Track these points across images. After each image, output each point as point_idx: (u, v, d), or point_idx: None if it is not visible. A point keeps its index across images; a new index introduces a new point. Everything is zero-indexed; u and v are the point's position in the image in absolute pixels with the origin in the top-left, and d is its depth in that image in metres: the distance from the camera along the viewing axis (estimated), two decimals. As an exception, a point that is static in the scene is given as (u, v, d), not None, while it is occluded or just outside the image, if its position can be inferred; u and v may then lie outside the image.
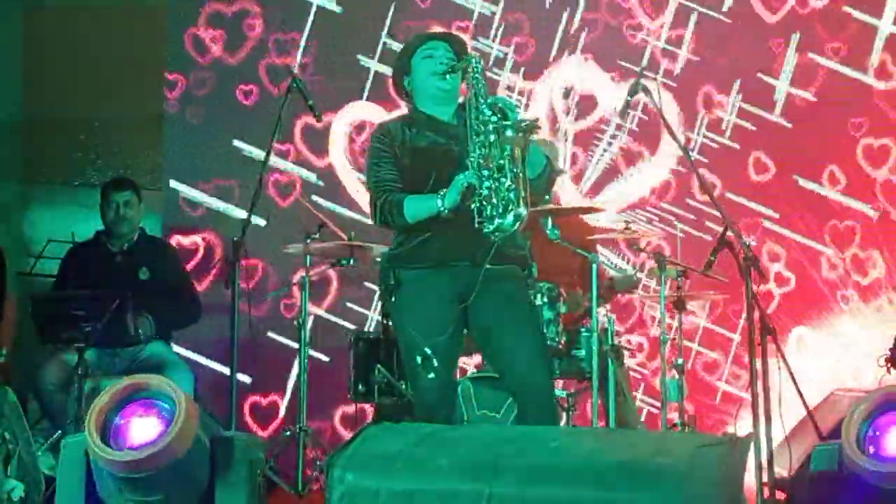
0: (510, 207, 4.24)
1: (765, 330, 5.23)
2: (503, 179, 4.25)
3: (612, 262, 7.12)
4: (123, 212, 6.24)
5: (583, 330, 5.88)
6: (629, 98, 5.39)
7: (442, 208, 4.34)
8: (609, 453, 3.28)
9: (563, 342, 5.78)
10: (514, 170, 4.26)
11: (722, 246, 5.25)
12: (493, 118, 4.32)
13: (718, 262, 5.16)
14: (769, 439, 5.24)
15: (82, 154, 7.10)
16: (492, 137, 4.31)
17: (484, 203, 4.26)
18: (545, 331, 5.51)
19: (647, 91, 5.33)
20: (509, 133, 4.28)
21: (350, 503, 3.20)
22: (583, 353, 5.84)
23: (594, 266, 5.80)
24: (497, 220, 4.25)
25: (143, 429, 4.34)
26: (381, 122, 4.83)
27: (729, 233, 5.19)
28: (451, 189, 4.33)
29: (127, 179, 6.45)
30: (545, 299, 5.64)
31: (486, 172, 4.27)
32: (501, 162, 4.27)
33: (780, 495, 5.33)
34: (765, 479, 5.14)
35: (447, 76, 4.53)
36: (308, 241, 6.24)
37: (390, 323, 6.12)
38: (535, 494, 3.13)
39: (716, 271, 5.41)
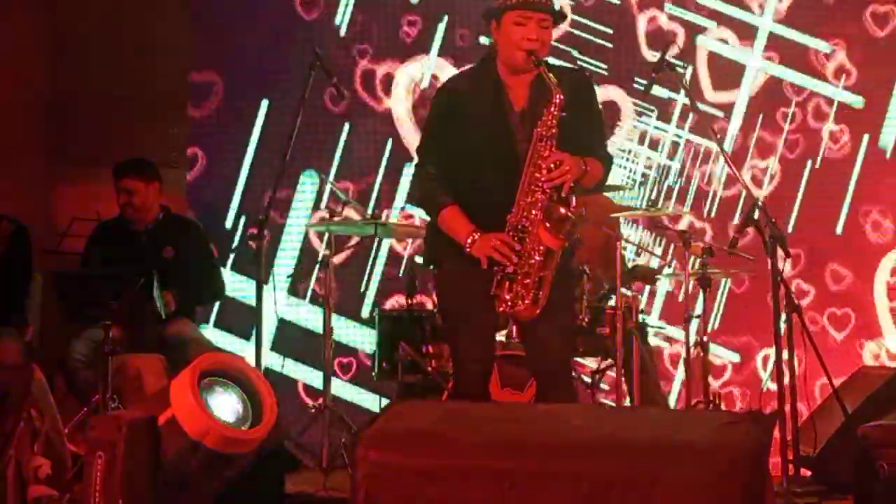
0: (526, 300, 4.19)
1: (790, 307, 5.22)
2: (527, 281, 4.18)
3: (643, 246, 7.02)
4: (128, 199, 6.22)
5: (607, 308, 5.87)
6: (654, 76, 5.36)
7: (467, 249, 4.25)
8: (633, 430, 3.27)
9: (587, 320, 5.78)
10: (541, 272, 4.18)
11: (748, 223, 5.22)
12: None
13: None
14: (795, 417, 5.23)
15: (107, 132, 7.10)
16: (534, 213, 4.19)
17: (505, 279, 4.20)
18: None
19: (672, 68, 5.30)
20: (548, 227, 4.15)
21: (375, 481, 3.20)
22: (607, 330, 5.83)
23: (619, 244, 5.78)
24: (509, 306, 4.22)
25: (228, 406, 4.47)
26: (451, 78, 4.65)
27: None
28: (482, 241, 4.21)
29: (133, 163, 6.29)
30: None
31: (517, 246, 4.18)
32: (533, 255, 4.18)
33: (805, 473, 5.33)
34: (790, 456, 5.14)
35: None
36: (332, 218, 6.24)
37: (414, 301, 6.15)
38: (558, 472, 3.13)
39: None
